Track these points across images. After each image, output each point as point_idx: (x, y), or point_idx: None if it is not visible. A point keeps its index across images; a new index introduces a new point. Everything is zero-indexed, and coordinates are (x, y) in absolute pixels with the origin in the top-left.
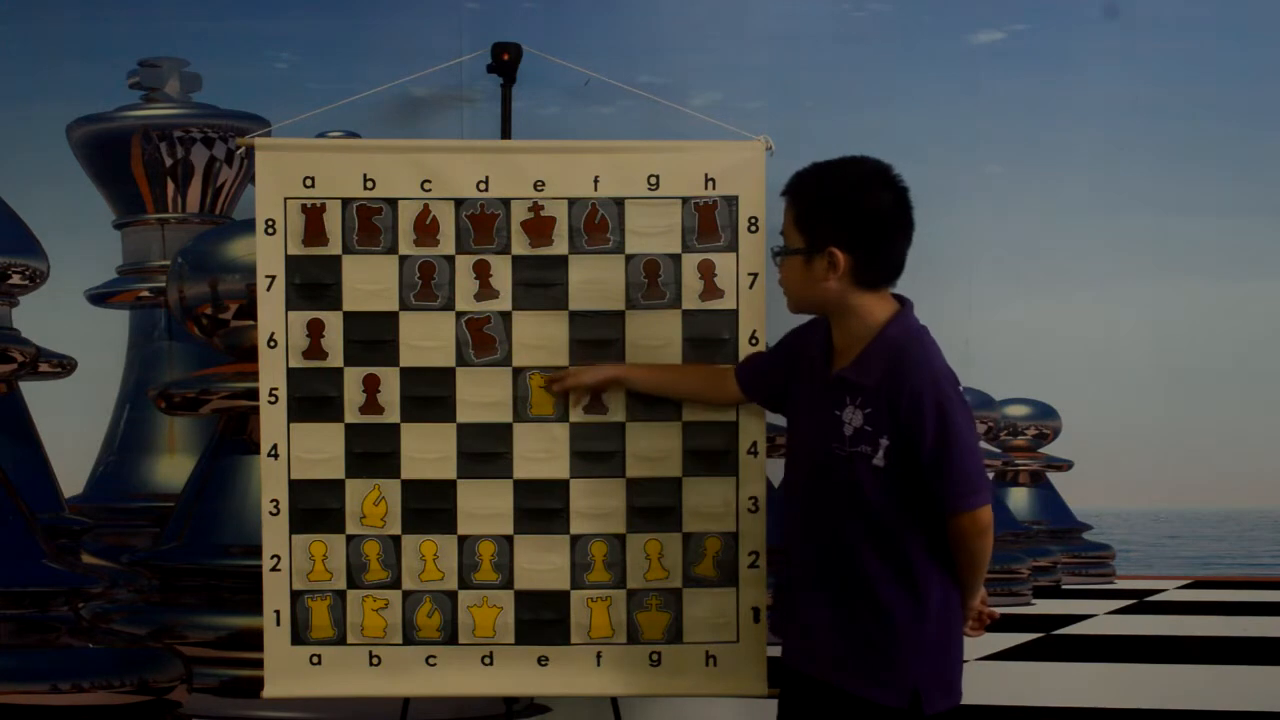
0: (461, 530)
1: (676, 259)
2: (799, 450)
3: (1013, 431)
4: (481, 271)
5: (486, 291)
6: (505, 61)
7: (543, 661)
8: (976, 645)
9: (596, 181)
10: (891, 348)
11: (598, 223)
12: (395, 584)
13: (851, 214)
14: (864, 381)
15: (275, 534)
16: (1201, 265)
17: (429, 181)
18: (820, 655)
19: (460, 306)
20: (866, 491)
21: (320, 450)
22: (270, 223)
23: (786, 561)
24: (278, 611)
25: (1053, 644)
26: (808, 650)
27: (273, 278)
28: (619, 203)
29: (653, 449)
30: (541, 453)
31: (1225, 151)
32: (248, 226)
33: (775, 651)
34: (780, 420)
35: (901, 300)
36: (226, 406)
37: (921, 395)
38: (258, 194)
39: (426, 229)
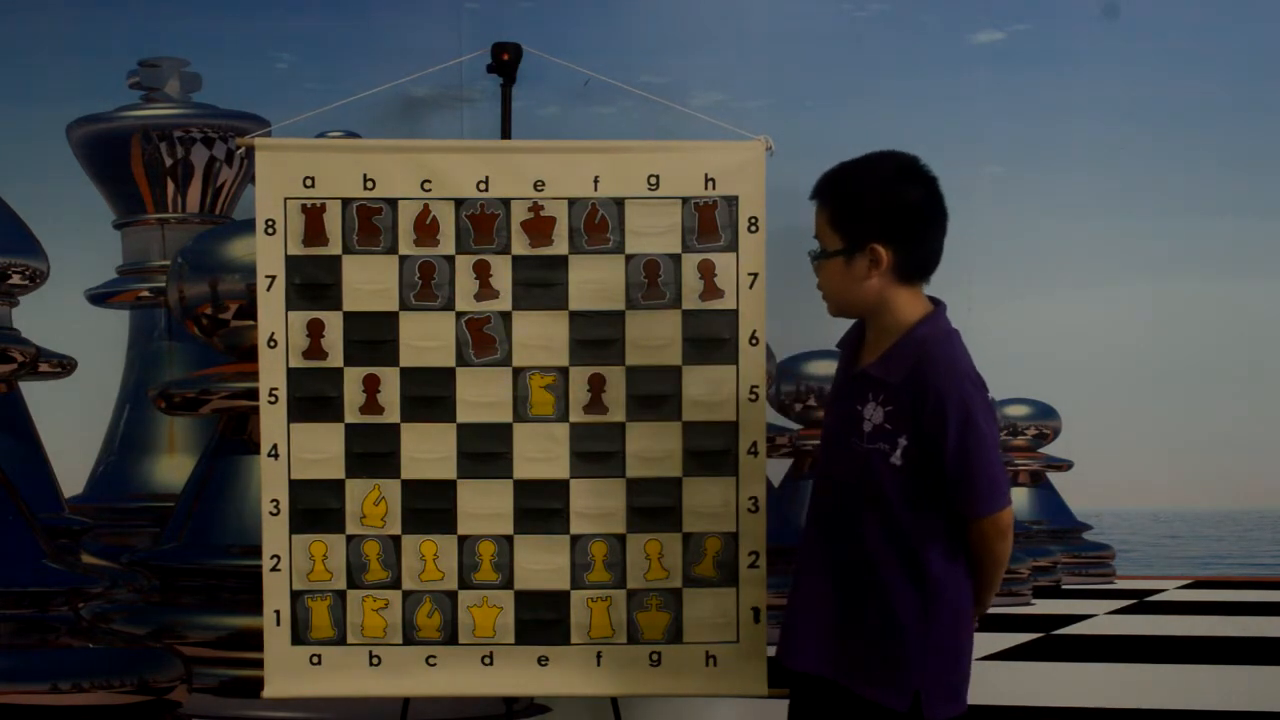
0: (461, 530)
1: (676, 259)
2: (823, 442)
3: (1013, 431)
4: (481, 271)
5: (486, 291)
6: (505, 61)
7: (543, 661)
8: (977, 645)
9: (596, 181)
10: (918, 347)
11: (598, 223)
12: (395, 584)
13: (889, 208)
14: (887, 378)
15: (275, 534)
16: (1202, 265)
17: (429, 181)
18: (823, 646)
19: (460, 306)
20: (883, 489)
21: (320, 450)
22: (270, 223)
23: (799, 554)
24: (278, 611)
25: (1053, 644)
26: (807, 643)
27: (273, 278)
28: (619, 203)
29: (653, 449)
30: (541, 453)
31: (1225, 151)
32: (248, 226)
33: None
34: (780, 420)
35: (936, 301)
36: (226, 406)
37: (946, 398)
38: (258, 194)
39: (426, 229)
